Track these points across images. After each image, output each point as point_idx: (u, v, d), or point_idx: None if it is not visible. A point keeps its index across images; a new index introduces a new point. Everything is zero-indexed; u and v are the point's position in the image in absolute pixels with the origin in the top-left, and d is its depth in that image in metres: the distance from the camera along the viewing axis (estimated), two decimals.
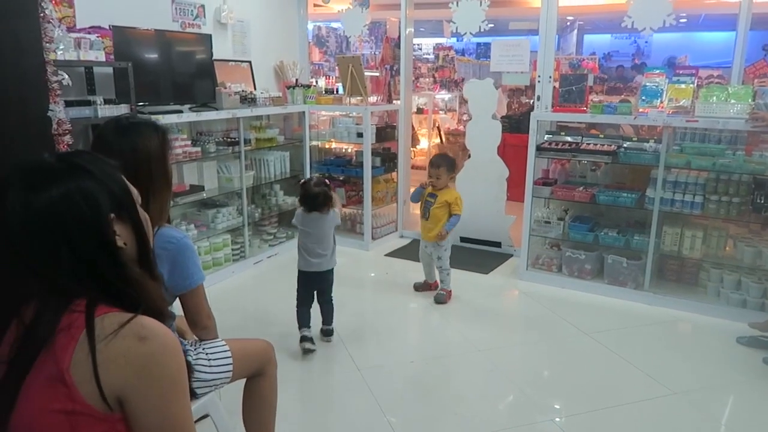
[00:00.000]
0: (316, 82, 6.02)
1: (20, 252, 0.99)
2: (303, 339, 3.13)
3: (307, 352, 3.09)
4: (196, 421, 1.60)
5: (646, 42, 11.66)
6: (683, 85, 3.69)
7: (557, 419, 2.57)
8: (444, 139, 8.06)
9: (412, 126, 6.30)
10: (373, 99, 5.33)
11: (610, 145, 3.97)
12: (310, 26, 6.70)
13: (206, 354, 1.79)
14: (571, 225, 4.06)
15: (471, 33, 4.47)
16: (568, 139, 4.16)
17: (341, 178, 5.09)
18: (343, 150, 5.32)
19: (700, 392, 2.78)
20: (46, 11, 1.84)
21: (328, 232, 3.13)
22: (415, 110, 7.73)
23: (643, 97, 3.80)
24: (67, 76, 2.14)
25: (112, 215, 1.03)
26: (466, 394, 2.79)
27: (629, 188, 3.98)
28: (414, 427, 2.51)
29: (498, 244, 4.82)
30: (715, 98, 3.49)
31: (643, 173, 3.89)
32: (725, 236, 3.73)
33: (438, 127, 8.15)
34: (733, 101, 3.45)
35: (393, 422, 2.51)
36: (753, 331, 3.22)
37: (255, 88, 4.66)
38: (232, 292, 3.96)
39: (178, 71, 3.97)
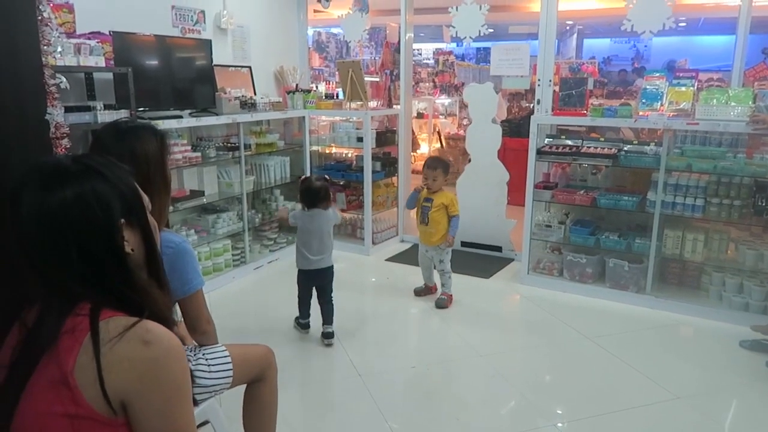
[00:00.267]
0: (316, 87, 6.03)
1: (30, 251, 0.99)
2: (298, 322, 3.33)
3: (298, 328, 3.27)
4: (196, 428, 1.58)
5: (646, 46, 11.69)
6: (683, 88, 3.68)
7: (559, 424, 2.55)
8: (444, 144, 8.07)
9: (413, 130, 6.31)
10: (373, 104, 5.34)
11: (611, 149, 3.97)
12: (310, 31, 6.70)
13: (206, 359, 1.78)
14: (572, 228, 4.05)
15: (471, 37, 4.48)
16: (569, 142, 4.17)
17: (341, 183, 5.08)
18: (344, 155, 5.32)
19: (702, 396, 2.76)
20: (44, 14, 1.83)
21: (328, 230, 3.14)
22: (416, 115, 7.75)
23: (644, 100, 3.80)
24: (65, 80, 2.13)
25: (122, 221, 1.03)
26: (468, 399, 2.78)
27: (630, 191, 3.98)
28: None
29: (499, 249, 4.81)
30: (715, 101, 3.49)
31: (644, 176, 3.88)
32: (727, 239, 3.71)
33: (438, 132, 8.16)
34: (733, 104, 3.44)
35: (394, 428, 2.49)
36: (755, 335, 3.21)
37: (255, 93, 4.66)
38: (232, 298, 3.95)
39: (178, 77, 3.98)
